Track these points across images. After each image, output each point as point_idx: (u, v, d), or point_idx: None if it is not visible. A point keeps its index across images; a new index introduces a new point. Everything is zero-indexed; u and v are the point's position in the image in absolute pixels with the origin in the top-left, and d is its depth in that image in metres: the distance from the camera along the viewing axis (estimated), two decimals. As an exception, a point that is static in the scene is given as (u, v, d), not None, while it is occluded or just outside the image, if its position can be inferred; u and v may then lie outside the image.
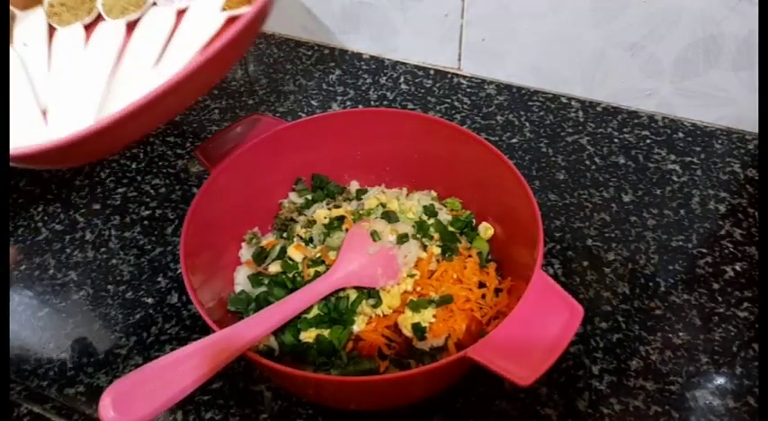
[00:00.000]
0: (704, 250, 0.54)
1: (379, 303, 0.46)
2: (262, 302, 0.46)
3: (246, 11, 0.43)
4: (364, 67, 0.77)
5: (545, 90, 0.72)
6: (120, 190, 0.63)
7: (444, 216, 0.53)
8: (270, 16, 0.43)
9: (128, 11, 0.49)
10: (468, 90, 0.73)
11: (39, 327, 0.51)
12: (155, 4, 0.50)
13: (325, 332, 0.44)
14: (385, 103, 0.72)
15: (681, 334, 0.48)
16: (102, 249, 0.57)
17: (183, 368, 0.35)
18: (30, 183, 0.64)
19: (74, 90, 0.44)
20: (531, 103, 0.70)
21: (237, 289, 0.49)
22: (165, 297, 0.53)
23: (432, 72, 0.76)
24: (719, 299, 0.51)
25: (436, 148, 0.53)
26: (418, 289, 0.47)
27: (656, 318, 0.49)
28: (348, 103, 0.72)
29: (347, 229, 0.50)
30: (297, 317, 0.44)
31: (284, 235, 0.52)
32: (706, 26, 0.59)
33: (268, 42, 0.83)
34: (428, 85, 0.74)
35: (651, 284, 0.52)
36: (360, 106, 0.72)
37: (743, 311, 0.50)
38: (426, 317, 0.44)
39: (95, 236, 0.59)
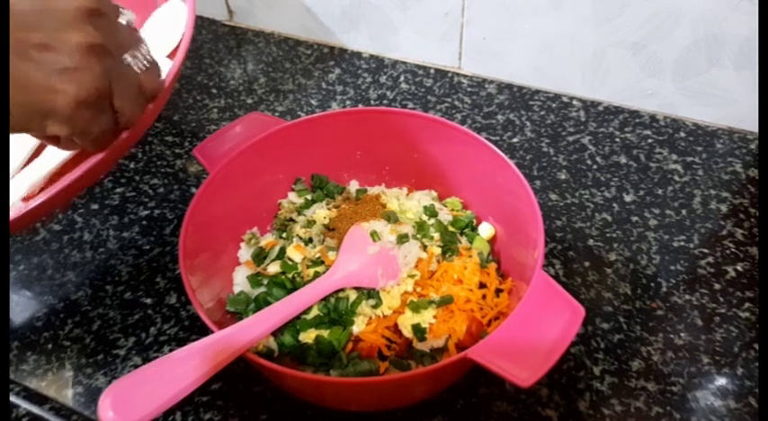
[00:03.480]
0: (706, 250, 0.54)
1: (379, 304, 0.45)
2: (261, 303, 0.46)
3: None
4: (364, 66, 0.77)
5: (546, 89, 0.72)
6: (118, 190, 0.63)
7: (444, 216, 0.52)
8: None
9: None
10: (469, 89, 0.73)
11: (37, 328, 0.51)
12: None
13: (325, 333, 0.44)
14: (385, 102, 0.72)
15: (682, 334, 0.48)
16: (101, 249, 0.57)
17: (182, 369, 0.35)
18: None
19: None
20: (532, 103, 0.70)
21: (236, 289, 0.49)
22: (164, 297, 0.53)
23: (432, 71, 0.76)
24: (721, 299, 0.50)
25: (436, 148, 0.53)
26: (418, 289, 0.47)
27: (657, 319, 0.49)
28: (348, 102, 0.72)
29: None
30: (296, 317, 0.44)
31: (283, 235, 0.52)
32: (707, 25, 0.59)
33: (267, 41, 0.83)
34: (428, 85, 0.74)
35: (653, 285, 0.52)
36: (359, 105, 0.71)
37: (744, 312, 0.49)
38: (426, 317, 0.44)
39: (93, 236, 0.58)
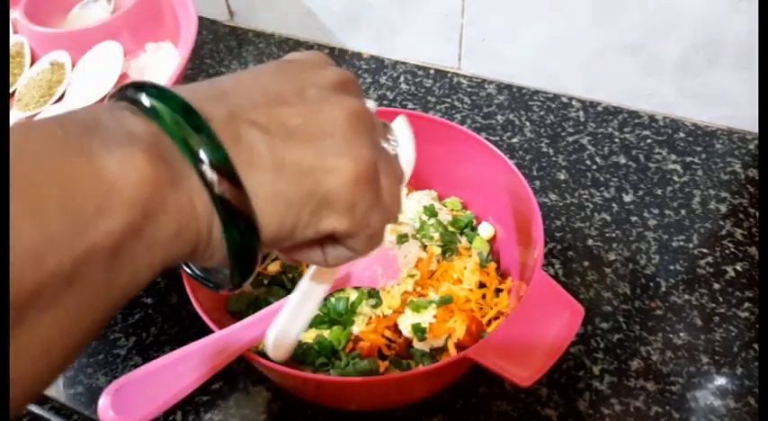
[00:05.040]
0: (705, 250, 0.54)
1: (379, 303, 0.45)
2: (261, 302, 0.46)
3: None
4: (364, 66, 0.77)
5: (545, 90, 0.72)
6: (119, 190, 0.63)
7: (444, 216, 0.53)
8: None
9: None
10: (469, 89, 0.73)
11: (38, 328, 0.51)
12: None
13: (325, 332, 0.44)
14: (385, 102, 0.72)
15: (681, 334, 0.48)
16: (102, 249, 0.57)
17: (183, 368, 0.35)
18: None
19: None
20: (531, 103, 0.70)
21: (237, 289, 0.49)
22: (165, 297, 0.53)
23: (432, 71, 0.76)
24: (720, 299, 0.50)
25: (436, 148, 0.53)
26: (418, 289, 0.47)
27: (656, 319, 0.49)
28: (348, 102, 0.72)
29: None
30: (296, 317, 0.44)
31: (284, 235, 0.52)
32: (707, 26, 0.59)
33: (268, 42, 0.83)
34: (428, 85, 0.74)
35: (652, 284, 0.52)
36: (360, 106, 0.71)
37: (744, 311, 0.49)
38: (426, 317, 0.44)
39: (95, 236, 0.58)
